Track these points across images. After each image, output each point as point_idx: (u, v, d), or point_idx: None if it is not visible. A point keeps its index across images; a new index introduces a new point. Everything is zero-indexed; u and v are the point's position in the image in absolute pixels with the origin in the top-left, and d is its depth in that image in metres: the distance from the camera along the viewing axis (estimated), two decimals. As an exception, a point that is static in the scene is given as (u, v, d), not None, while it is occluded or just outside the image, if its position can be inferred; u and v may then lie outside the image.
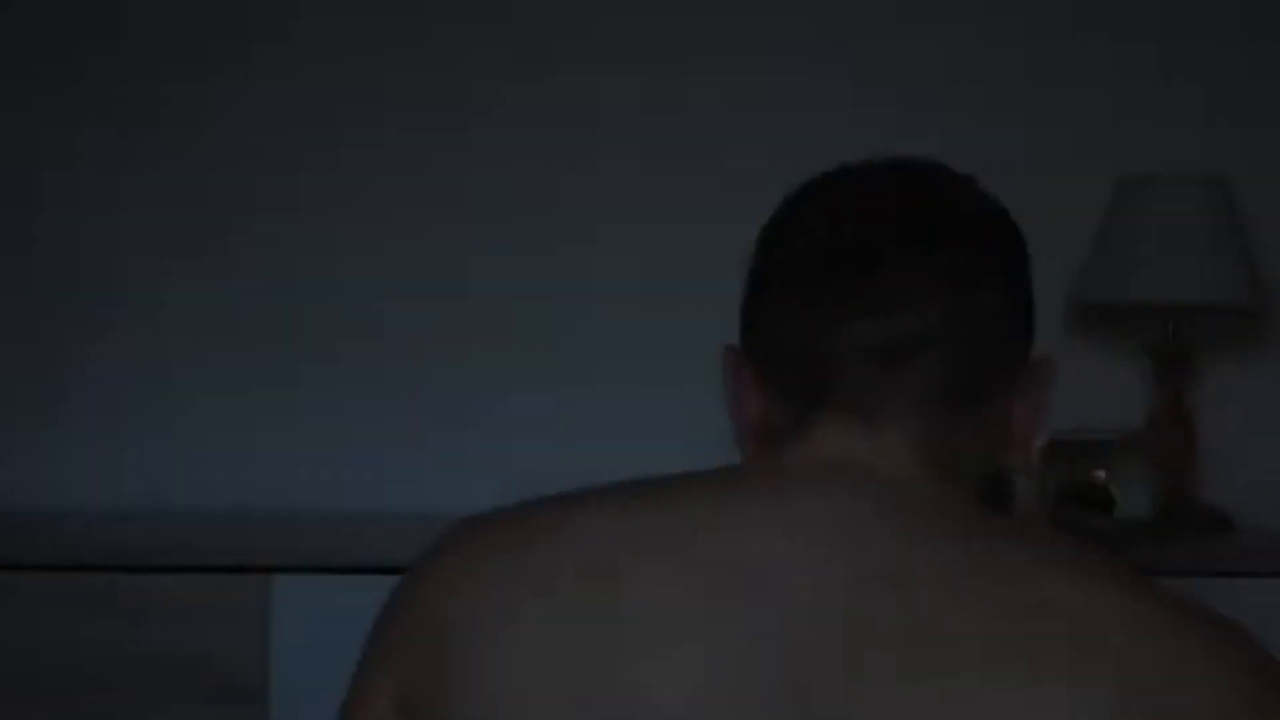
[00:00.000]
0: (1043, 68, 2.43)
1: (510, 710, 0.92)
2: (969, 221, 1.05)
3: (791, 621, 0.91)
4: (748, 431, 1.07)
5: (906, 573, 0.91)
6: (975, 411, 1.03)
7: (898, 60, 2.42)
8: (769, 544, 0.93)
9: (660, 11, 2.42)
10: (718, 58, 2.41)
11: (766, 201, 2.27)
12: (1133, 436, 2.15)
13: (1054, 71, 2.43)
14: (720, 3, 2.42)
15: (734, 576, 0.92)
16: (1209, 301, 2.24)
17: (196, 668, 1.93)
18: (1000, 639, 0.88)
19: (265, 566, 1.94)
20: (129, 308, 2.39)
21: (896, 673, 0.88)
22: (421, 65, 2.40)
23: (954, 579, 0.91)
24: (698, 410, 2.39)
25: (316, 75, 2.40)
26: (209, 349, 2.39)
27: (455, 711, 0.94)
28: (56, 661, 1.92)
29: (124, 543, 1.95)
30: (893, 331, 1.00)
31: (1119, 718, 0.86)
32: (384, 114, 2.40)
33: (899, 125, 2.43)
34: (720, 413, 2.39)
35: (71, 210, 2.39)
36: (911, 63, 2.42)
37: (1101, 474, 2.12)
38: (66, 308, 2.38)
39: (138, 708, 1.93)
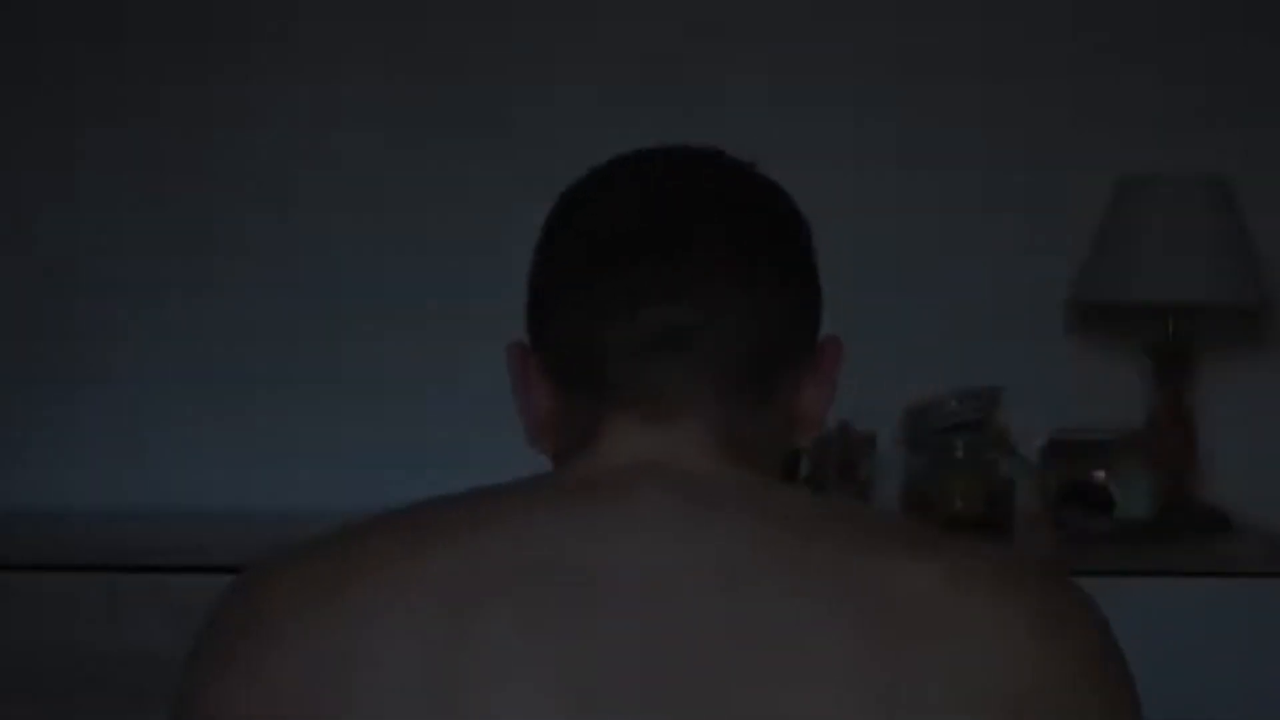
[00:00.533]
0: (1043, 67, 2.43)
1: None
2: (746, 204, 1.03)
3: (633, 632, 0.89)
4: (539, 428, 1.05)
5: (735, 572, 0.90)
6: (765, 394, 1.02)
7: (897, 60, 2.42)
8: (593, 559, 0.91)
9: (663, 11, 2.42)
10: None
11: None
12: (1133, 436, 2.16)
13: (1054, 71, 2.43)
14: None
15: (573, 592, 0.90)
16: (1209, 301, 2.24)
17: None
18: (830, 635, 0.88)
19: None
20: (128, 308, 2.39)
21: (740, 675, 0.88)
22: (421, 65, 2.41)
23: (781, 574, 0.90)
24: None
25: (317, 75, 2.40)
26: (209, 348, 2.39)
27: None
28: (56, 662, 1.92)
29: (124, 542, 1.95)
30: (673, 319, 0.98)
31: (950, 706, 0.87)
32: (383, 114, 2.40)
33: (899, 125, 2.42)
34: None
35: (71, 211, 2.39)
36: (911, 62, 2.42)
37: (1101, 474, 2.12)
38: (65, 308, 2.38)
39: (137, 708, 1.93)
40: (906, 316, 2.41)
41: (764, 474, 1.01)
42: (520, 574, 0.91)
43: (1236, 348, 2.44)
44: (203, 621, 0.99)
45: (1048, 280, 2.40)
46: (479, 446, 2.39)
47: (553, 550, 0.92)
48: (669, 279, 0.99)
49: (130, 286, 2.38)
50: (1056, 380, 2.41)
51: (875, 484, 2.27)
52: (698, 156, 1.07)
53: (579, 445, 1.01)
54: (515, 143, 2.40)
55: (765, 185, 1.07)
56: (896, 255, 2.42)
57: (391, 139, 2.40)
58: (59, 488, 2.37)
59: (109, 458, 2.37)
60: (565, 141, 2.39)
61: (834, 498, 1.02)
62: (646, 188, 1.03)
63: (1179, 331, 2.28)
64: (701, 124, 2.40)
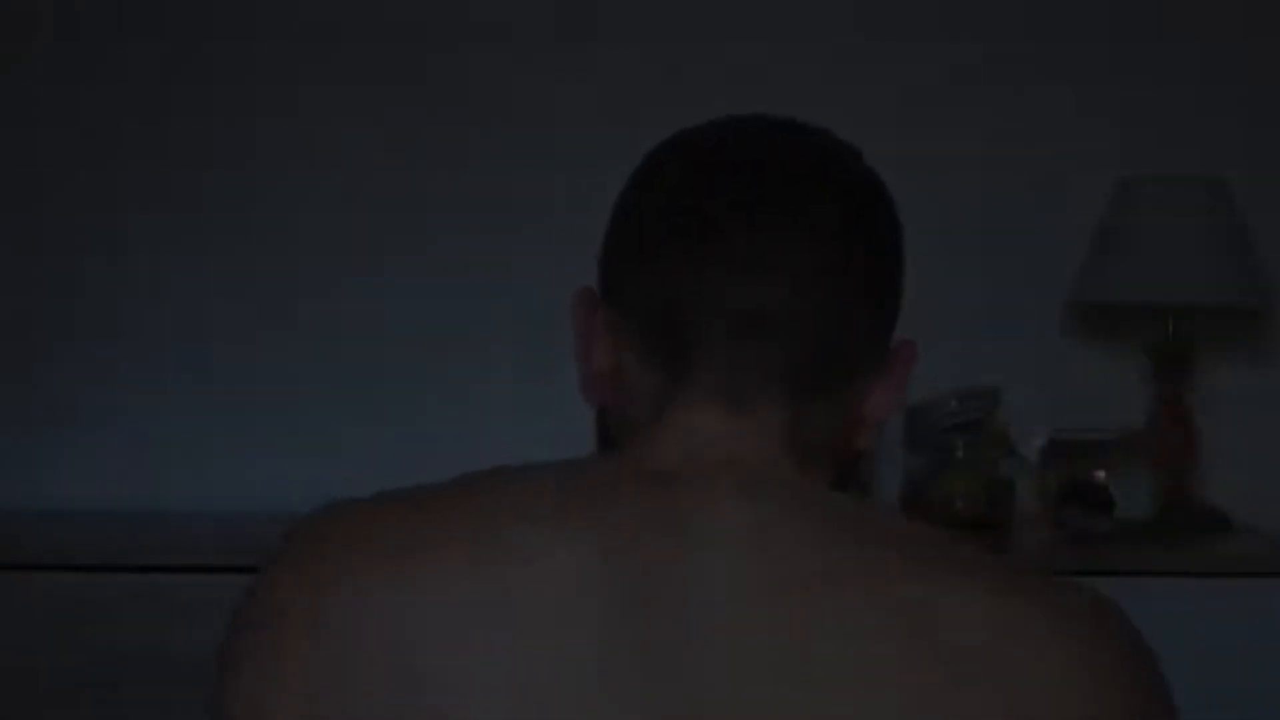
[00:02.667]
0: (1043, 67, 2.43)
1: None
2: (845, 190, 0.99)
3: (685, 638, 0.87)
4: (594, 381, 1.01)
5: (787, 582, 0.88)
6: (838, 391, 0.98)
7: (897, 59, 2.42)
8: (655, 558, 0.88)
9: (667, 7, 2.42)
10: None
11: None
12: (1133, 436, 2.15)
13: (1054, 71, 2.43)
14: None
15: (635, 593, 0.87)
16: (1209, 301, 2.24)
17: (196, 668, 1.92)
18: (874, 655, 0.86)
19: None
20: (128, 308, 2.39)
21: (777, 691, 0.85)
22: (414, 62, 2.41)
23: (830, 587, 0.88)
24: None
25: (315, 75, 2.40)
26: (209, 347, 2.39)
27: None
28: (55, 661, 1.92)
29: (124, 542, 1.95)
30: (757, 298, 0.94)
31: None
32: (382, 114, 2.40)
33: (898, 124, 2.42)
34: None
35: (69, 210, 2.39)
36: (911, 62, 2.42)
37: (1101, 474, 2.12)
38: (65, 309, 2.38)
39: (138, 708, 1.93)
40: (907, 316, 2.41)
41: (823, 473, 0.99)
42: (602, 574, 0.88)
43: (1236, 348, 2.44)
44: (259, 579, 0.94)
45: (1048, 280, 2.40)
46: (480, 446, 2.39)
47: (635, 548, 0.88)
48: (766, 258, 0.95)
49: (130, 286, 2.38)
50: (1056, 380, 2.41)
51: (875, 484, 2.27)
52: (805, 133, 1.02)
53: (648, 419, 0.97)
54: (517, 142, 2.40)
55: (869, 176, 1.02)
56: (896, 255, 2.42)
57: (392, 137, 2.40)
58: (59, 487, 2.37)
59: (109, 457, 2.37)
60: (566, 140, 2.39)
61: (905, 515, 0.99)
62: (751, 156, 0.98)
63: (1179, 331, 2.28)
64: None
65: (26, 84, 2.39)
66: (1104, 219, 2.29)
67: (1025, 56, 2.43)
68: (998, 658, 0.87)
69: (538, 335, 2.39)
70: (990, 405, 2.22)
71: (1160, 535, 2.14)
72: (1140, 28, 2.44)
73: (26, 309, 2.38)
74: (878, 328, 1.00)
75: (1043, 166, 2.42)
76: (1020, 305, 2.42)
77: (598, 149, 2.38)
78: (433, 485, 0.95)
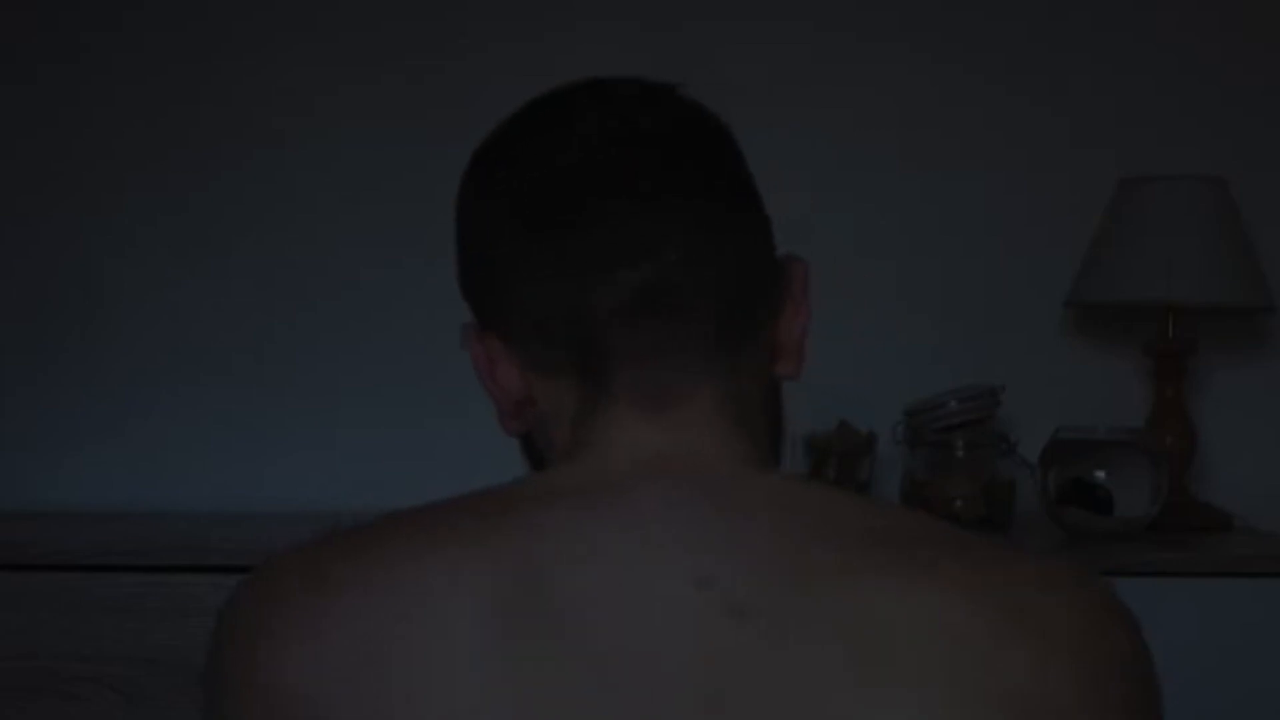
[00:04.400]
0: (1043, 67, 2.43)
1: None
2: (691, 134, 0.94)
3: (641, 667, 0.82)
4: (514, 414, 0.96)
5: (742, 598, 0.82)
6: (753, 342, 0.94)
7: (896, 59, 2.42)
8: (600, 582, 0.84)
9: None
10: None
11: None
12: (1133, 436, 2.15)
13: (1054, 71, 2.43)
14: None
15: (579, 629, 0.82)
16: (1209, 301, 2.24)
17: (195, 668, 1.92)
18: (804, 667, 0.81)
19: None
20: (129, 308, 2.38)
21: (753, 709, 0.81)
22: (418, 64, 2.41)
23: (790, 598, 0.83)
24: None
25: (320, 80, 2.40)
26: (208, 346, 2.39)
27: None
28: (55, 662, 1.92)
29: (123, 541, 1.95)
30: (657, 277, 0.89)
31: None
32: (383, 114, 2.40)
33: (898, 124, 2.42)
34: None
35: (67, 211, 2.39)
36: (911, 61, 2.42)
37: (1101, 474, 2.12)
38: (66, 308, 2.38)
39: (139, 708, 1.93)
40: (906, 316, 2.41)
41: (759, 428, 0.94)
42: (518, 604, 0.83)
43: (1236, 348, 2.44)
44: (244, 596, 0.93)
45: (1048, 280, 2.40)
46: (481, 446, 2.38)
47: (538, 574, 0.83)
48: (642, 230, 0.90)
49: (135, 287, 2.38)
50: (1056, 380, 2.41)
51: (875, 484, 2.27)
52: (625, 89, 0.96)
53: (570, 437, 0.93)
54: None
55: (697, 109, 0.98)
56: (897, 255, 2.42)
57: (394, 137, 2.40)
58: (59, 487, 2.37)
59: (108, 456, 2.37)
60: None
61: (852, 493, 0.96)
62: (586, 128, 0.93)
63: (1179, 331, 2.28)
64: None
65: (27, 87, 2.39)
66: (1104, 219, 2.29)
67: (1025, 56, 2.43)
68: (974, 659, 0.82)
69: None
70: (990, 405, 2.22)
71: (1160, 535, 2.14)
72: (1140, 28, 2.43)
73: (31, 309, 2.38)
74: (762, 260, 0.95)
75: (1043, 166, 2.42)
76: (1020, 305, 2.42)
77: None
78: (356, 527, 0.91)
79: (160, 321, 2.38)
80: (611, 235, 0.89)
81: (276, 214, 2.39)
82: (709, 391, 0.92)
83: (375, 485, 2.36)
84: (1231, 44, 2.44)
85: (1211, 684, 1.96)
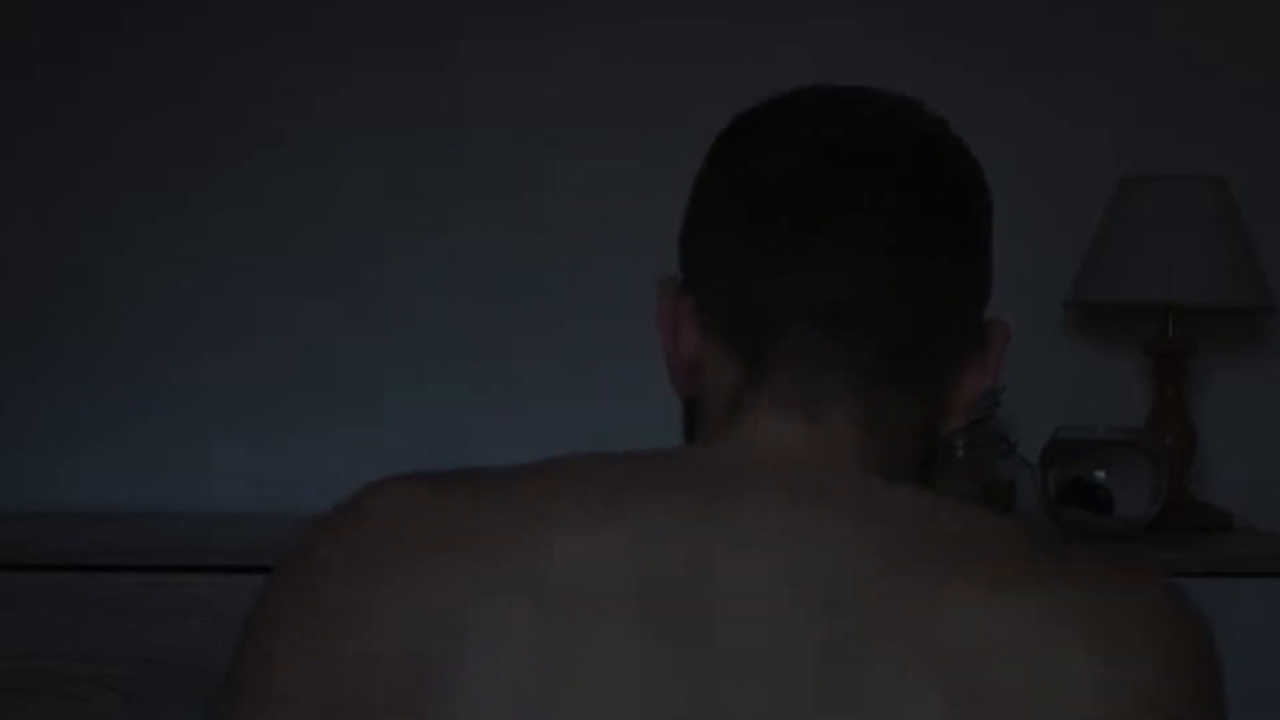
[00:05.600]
0: (1042, 67, 2.43)
1: None
2: (935, 167, 0.95)
3: (728, 660, 0.83)
4: (681, 366, 0.98)
5: (841, 599, 0.83)
6: (924, 382, 0.95)
7: (896, 58, 2.42)
8: (706, 569, 0.84)
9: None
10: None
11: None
12: (1133, 436, 2.15)
13: (1054, 71, 2.43)
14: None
15: (675, 609, 0.83)
16: (1209, 301, 2.24)
17: (198, 668, 1.92)
18: (888, 675, 0.81)
19: (266, 566, 1.94)
20: (131, 309, 2.39)
21: (786, 707, 0.81)
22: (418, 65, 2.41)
23: (883, 607, 0.83)
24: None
25: (320, 79, 2.40)
26: (208, 346, 2.39)
27: None
28: (54, 661, 1.92)
29: (123, 541, 1.95)
30: (841, 290, 0.91)
31: None
32: (382, 112, 2.40)
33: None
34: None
35: (67, 211, 2.39)
36: (910, 61, 2.42)
37: (1101, 474, 2.12)
38: (66, 308, 2.38)
39: (140, 708, 1.93)
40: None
41: (904, 464, 0.95)
42: (635, 576, 0.84)
43: (1236, 348, 2.44)
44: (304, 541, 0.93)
45: (1048, 280, 2.40)
46: (482, 445, 2.39)
47: (674, 551, 0.85)
48: (840, 248, 0.91)
49: (134, 287, 2.38)
50: (1056, 380, 2.41)
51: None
52: (890, 106, 0.98)
53: (722, 417, 0.95)
54: (517, 141, 2.40)
55: (955, 147, 0.98)
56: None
57: (394, 138, 2.40)
58: (59, 487, 2.37)
59: (108, 456, 2.38)
60: (566, 141, 2.39)
61: (974, 508, 0.94)
62: (827, 136, 0.94)
63: (1179, 331, 2.28)
64: (716, 121, 2.40)
65: (27, 87, 2.39)
66: (1104, 219, 2.29)
67: (1025, 56, 2.43)
68: (1033, 675, 0.82)
69: (544, 333, 2.39)
70: (990, 405, 2.22)
71: (1160, 535, 2.13)
72: (1141, 28, 2.44)
73: (31, 309, 2.38)
74: (965, 310, 0.96)
75: (1043, 166, 2.42)
76: (1020, 305, 2.42)
77: (604, 141, 2.38)
78: (488, 469, 0.93)
79: (160, 321, 2.38)
80: (811, 248, 0.92)
81: (276, 214, 2.40)
82: (850, 412, 0.93)
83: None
84: (1231, 44, 2.44)
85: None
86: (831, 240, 0.92)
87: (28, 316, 2.38)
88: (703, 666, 0.83)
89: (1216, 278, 2.22)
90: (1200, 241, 2.22)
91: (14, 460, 2.38)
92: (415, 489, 0.91)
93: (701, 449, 0.93)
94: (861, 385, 0.93)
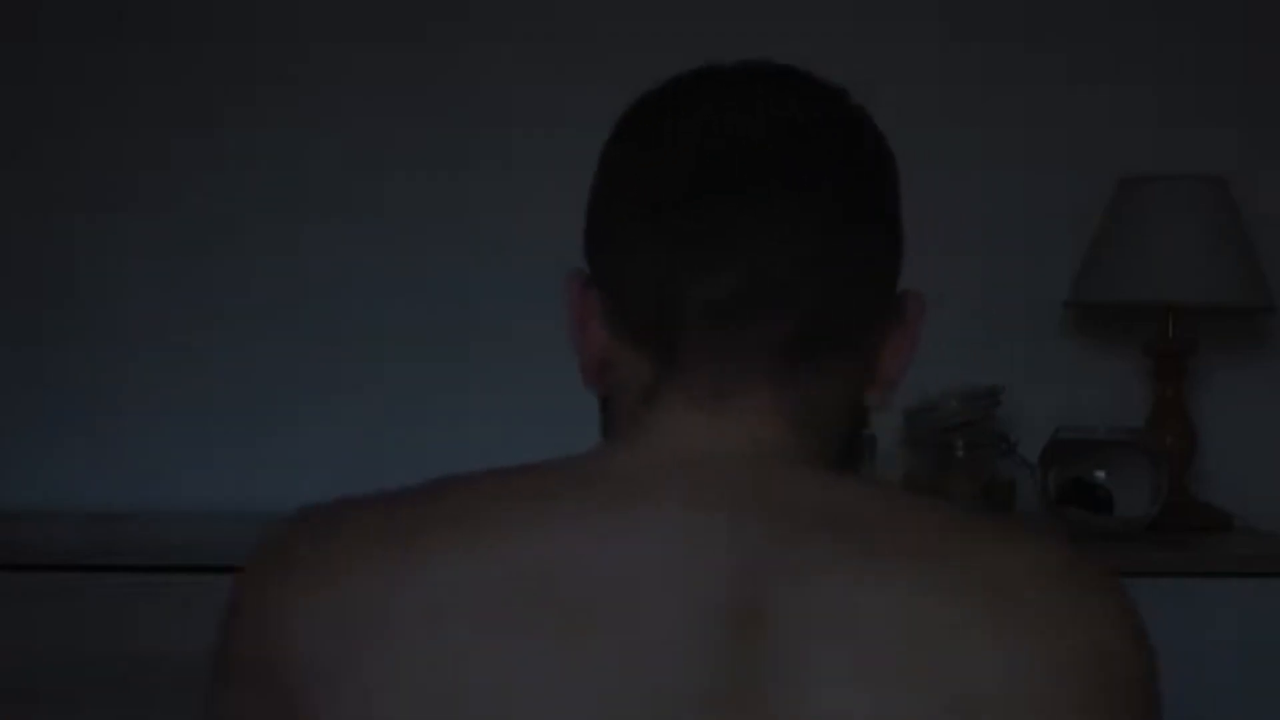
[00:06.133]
0: (1042, 67, 2.43)
1: None
2: (838, 141, 0.94)
3: (651, 665, 0.83)
4: (594, 369, 0.97)
5: (759, 604, 0.84)
6: (840, 360, 0.94)
7: (896, 60, 2.42)
8: (622, 575, 0.85)
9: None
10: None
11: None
12: (1133, 436, 2.15)
13: (1054, 71, 2.43)
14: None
15: (590, 617, 0.84)
16: (1209, 301, 2.24)
17: (198, 668, 1.92)
18: (809, 669, 0.83)
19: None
20: (127, 307, 2.38)
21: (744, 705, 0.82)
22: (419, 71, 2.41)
23: (812, 611, 0.84)
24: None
25: (316, 77, 2.40)
26: (208, 346, 2.39)
27: None
28: (54, 661, 1.92)
29: (123, 541, 1.95)
30: (741, 278, 0.90)
31: None
32: (381, 118, 2.40)
33: (898, 124, 2.42)
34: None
35: (67, 211, 2.39)
36: (910, 61, 2.42)
37: (1101, 474, 2.12)
38: (66, 309, 2.38)
39: (136, 708, 1.93)
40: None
41: (826, 445, 0.94)
42: (550, 602, 0.85)
43: (1236, 348, 2.44)
44: (260, 549, 0.97)
45: (1048, 280, 2.40)
46: (483, 446, 2.38)
47: (588, 569, 0.85)
48: (745, 232, 0.90)
49: (131, 285, 2.38)
50: (1056, 380, 2.41)
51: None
52: (785, 81, 0.96)
53: (632, 414, 0.94)
54: (518, 147, 2.40)
55: (857, 118, 0.98)
56: (896, 255, 2.42)
57: (393, 139, 2.40)
58: (58, 487, 2.37)
59: (108, 456, 2.37)
60: (567, 141, 2.39)
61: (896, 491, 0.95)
62: (726, 118, 0.93)
63: (1179, 331, 2.28)
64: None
65: (26, 83, 2.38)
66: (1104, 219, 2.29)
67: (1025, 56, 2.43)
68: (907, 661, 0.83)
69: (543, 332, 2.39)
70: (990, 405, 2.22)
71: (1160, 535, 2.14)
72: (1140, 28, 2.43)
73: (31, 309, 2.38)
74: (879, 284, 0.95)
75: (1043, 166, 2.42)
76: (1020, 305, 2.42)
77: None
78: (401, 488, 0.95)
79: (160, 321, 2.38)
80: (719, 232, 0.90)
81: (276, 214, 2.39)
82: (769, 394, 0.92)
83: (375, 484, 2.35)
84: (1232, 44, 2.44)
85: (1211, 684, 1.96)
86: (736, 223, 0.90)
87: (27, 316, 2.38)
88: (608, 663, 0.83)
89: (1216, 278, 2.22)
90: (1200, 241, 2.21)
91: (13, 459, 2.37)
92: (340, 513, 0.94)
93: (607, 453, 0.93)
94: (776, 369, 0.92)
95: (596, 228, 0.96)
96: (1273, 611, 1.97)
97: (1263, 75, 2.44)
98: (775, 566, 0.85)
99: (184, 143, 2.39)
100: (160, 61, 2.39)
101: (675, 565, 0.85)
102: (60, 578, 1.93)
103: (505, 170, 2.39)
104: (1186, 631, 1.95)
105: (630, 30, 2.40)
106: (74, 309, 2.38)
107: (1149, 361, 2.33)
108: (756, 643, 0.83)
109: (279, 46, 2.40)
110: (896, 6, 2.42)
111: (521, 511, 0.88)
